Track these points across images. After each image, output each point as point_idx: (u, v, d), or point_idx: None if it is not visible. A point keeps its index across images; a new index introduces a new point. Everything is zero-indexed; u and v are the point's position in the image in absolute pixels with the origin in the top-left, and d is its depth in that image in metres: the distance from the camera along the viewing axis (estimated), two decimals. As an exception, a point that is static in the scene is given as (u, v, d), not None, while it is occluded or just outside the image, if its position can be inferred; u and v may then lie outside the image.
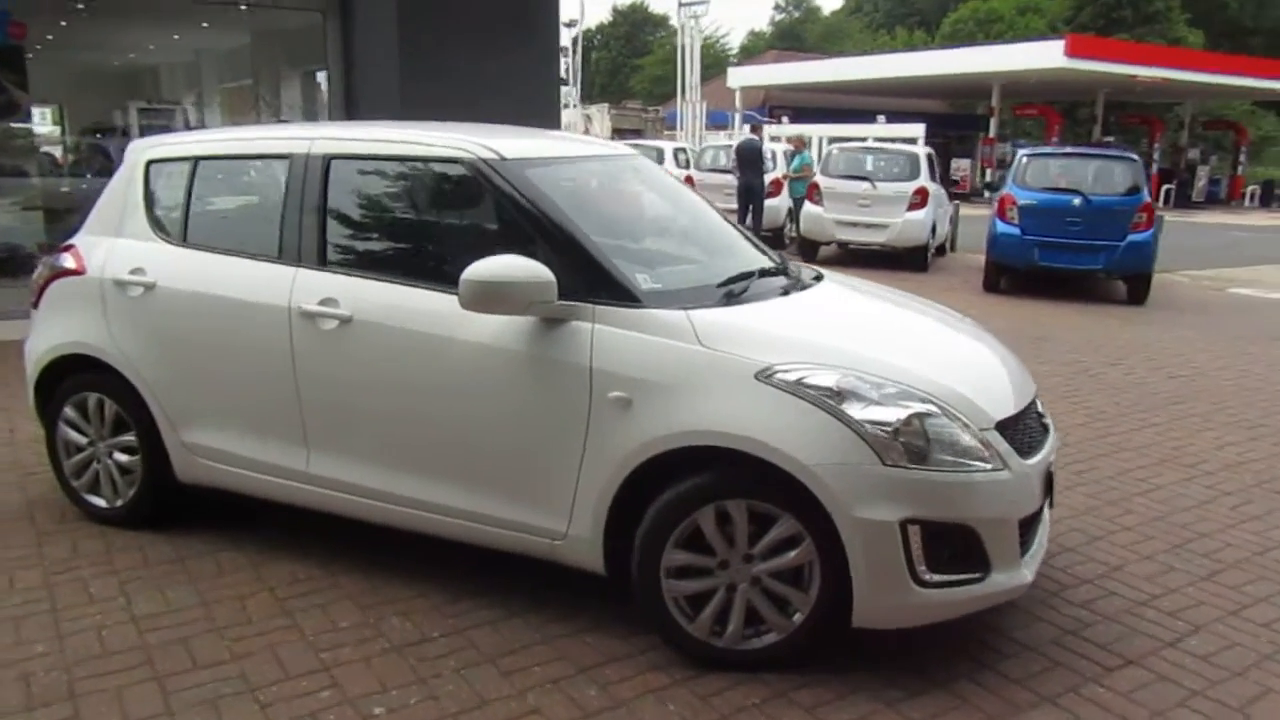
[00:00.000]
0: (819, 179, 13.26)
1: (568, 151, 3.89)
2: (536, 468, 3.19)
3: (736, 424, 2.89)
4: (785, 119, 31.90)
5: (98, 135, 12.17)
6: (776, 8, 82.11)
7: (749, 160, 13.73)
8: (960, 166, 34.41)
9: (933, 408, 2.91)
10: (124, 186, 4.01)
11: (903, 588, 2.86)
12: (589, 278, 3.13)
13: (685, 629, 3.05)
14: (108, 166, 9.66)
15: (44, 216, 9.18)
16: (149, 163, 3.98)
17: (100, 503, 4.07)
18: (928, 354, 3.31)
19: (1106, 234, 10.51)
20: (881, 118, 32.70)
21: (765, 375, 2.91)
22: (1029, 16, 69.66)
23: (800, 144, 14.51)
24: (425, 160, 3.50)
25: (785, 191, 14.55)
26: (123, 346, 3.83)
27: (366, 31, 8.50)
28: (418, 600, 3.47)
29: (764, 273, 3.68)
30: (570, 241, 3.20)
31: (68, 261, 4.02)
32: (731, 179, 14.13)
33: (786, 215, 14.27)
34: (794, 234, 14.47)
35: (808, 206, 13.29)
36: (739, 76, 39.14)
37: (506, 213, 3.33)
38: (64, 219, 8.26)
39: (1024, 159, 11.50)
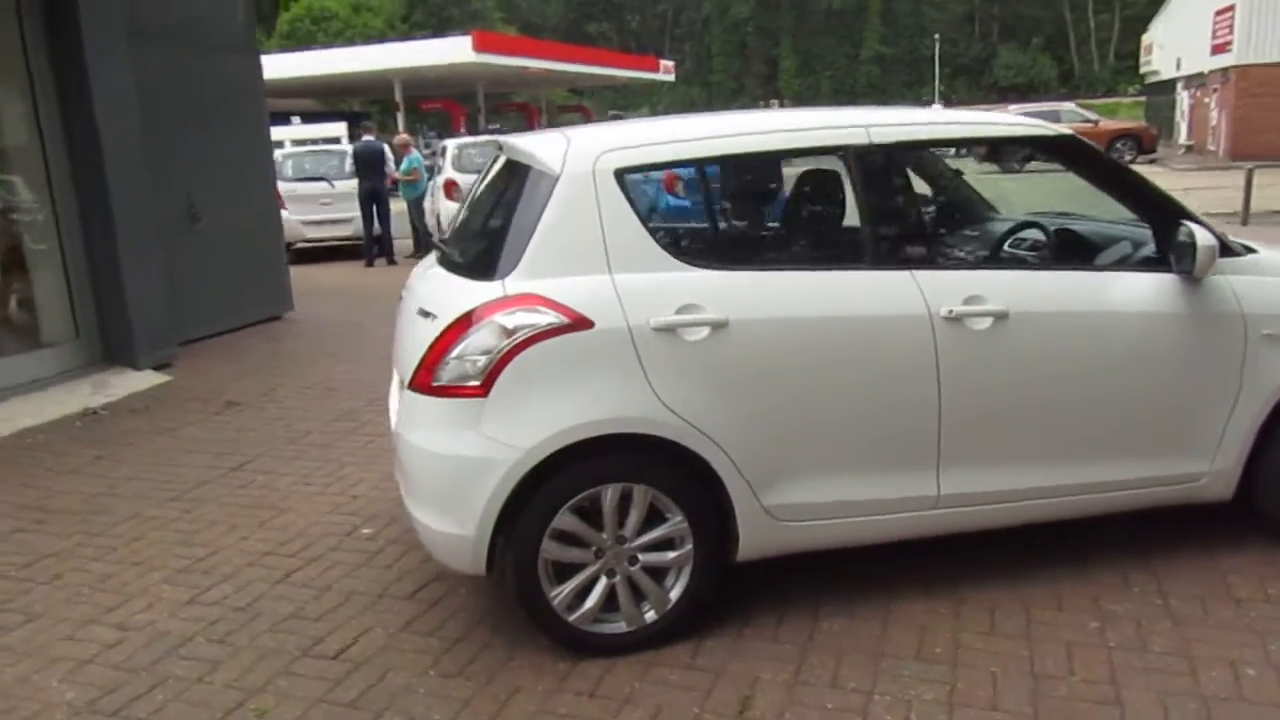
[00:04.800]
0: (455, 176, 12.94)
1: None
2: (1191, 418, 3.38)
3: None
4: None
5: None
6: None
7: (369, 164, 12.86)
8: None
9: None
10: (586, 208, 2.98)
11: None
12: None
13: None
14: None
15: None
16: (619, 173, 3.03)
17: (619, 627, 3.07)
18: None
19: None
20: (296, 119, 31.72)
21: None
22: (364, 15, 71.88)
23: (407, 146, 13.83)
24: (1004, 141, 3.36)
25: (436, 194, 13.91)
26: (682, 409, 2.94)
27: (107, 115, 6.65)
28: (1119, 587, 3.35)
29: None
30: (1178, 206, 3.41)
31: (550, 316, 2.89)
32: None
33: (437, 219, 13.57)
34: (422, 235, 13.92)
35: (449, 204, 12.88)
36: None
37: (1109, 187, 3.39)
38: None
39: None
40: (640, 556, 3.05)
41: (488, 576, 3.07)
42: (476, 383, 2.88)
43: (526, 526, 2.93)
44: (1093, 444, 3.32)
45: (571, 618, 3.02)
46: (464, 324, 2.92)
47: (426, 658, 3.13)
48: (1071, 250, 3.64)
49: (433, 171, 14.34)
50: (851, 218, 3.31)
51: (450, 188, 12.90)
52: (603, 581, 3.04)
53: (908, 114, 3.45)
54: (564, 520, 2.95)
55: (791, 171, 3.69)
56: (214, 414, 6.13)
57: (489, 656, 3.11)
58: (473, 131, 38.16)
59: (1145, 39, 37.73)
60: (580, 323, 2.89)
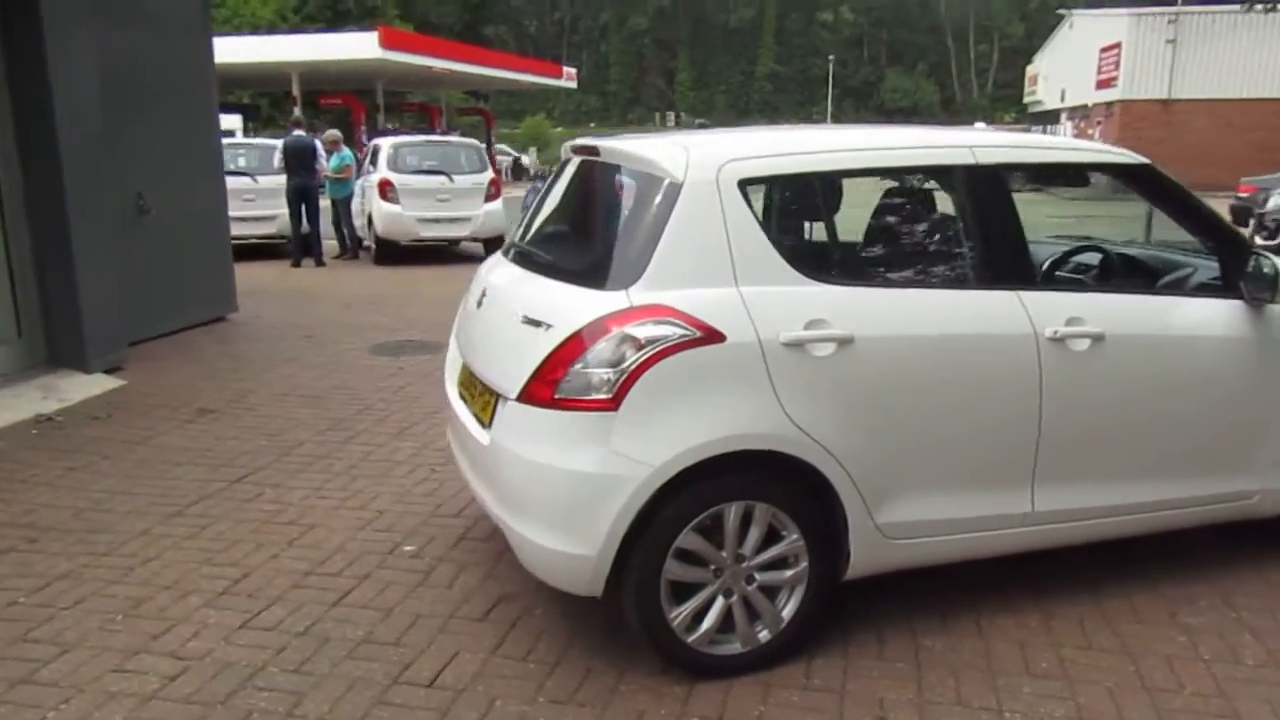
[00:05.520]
0: (391, 176, 12.56)
1: None
2: (1248, 438, 3.52)
3: None
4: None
5: None
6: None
7: (300, 159, 12.35)
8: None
9: None
10: (711, 218, 2.90)
11: None
12: None
13: None
14: None
15: None
16: (743, 183, 2.96)
17: (734, 648, 3.00)
18: None
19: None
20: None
21: None
22: (254, 3, 69.74)
23: (338, 143, 13.30)
24: (1089, 166, 3.44)
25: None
26: (808, 425, 2.89)
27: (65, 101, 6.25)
28: (1187, 601, 3.47)
29: None
30: (1243, 236, 3.56)
31: (682, 329, 2.79)
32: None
33: (369, 220, 13.08)
34: (349, 237, 13.44)
35: (385, 205, 12.51)
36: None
37: (1179, 215, 3.52)
38: None
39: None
40: (757, 575, 2.98)
41: (601, 599, 2.94)
42: (605, 396, 2.77)
43: (650, 545, 2.83)
44: (1165, 463, 3.42)
45: (690, 639, 2.94)
46: (591, 335, 2.80)
47: (529, 683, 2.98)
48: (1143, 274, 3.75)
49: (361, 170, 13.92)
50: (939, 236, 3.33)
51: (385, 188, 12.52)
52: (719, 601, 2.96)
53: (1004, 136, 3.49)
54: (687, 539, 2.87)
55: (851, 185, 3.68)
56: (186, 422, 5.75)
57: (596, 681, 2.99)
58: (373, 130, 37.37)
59: (1030, 70, 39.77)
60: (712, 336, 2.82)
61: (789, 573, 3.01)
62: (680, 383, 2.80)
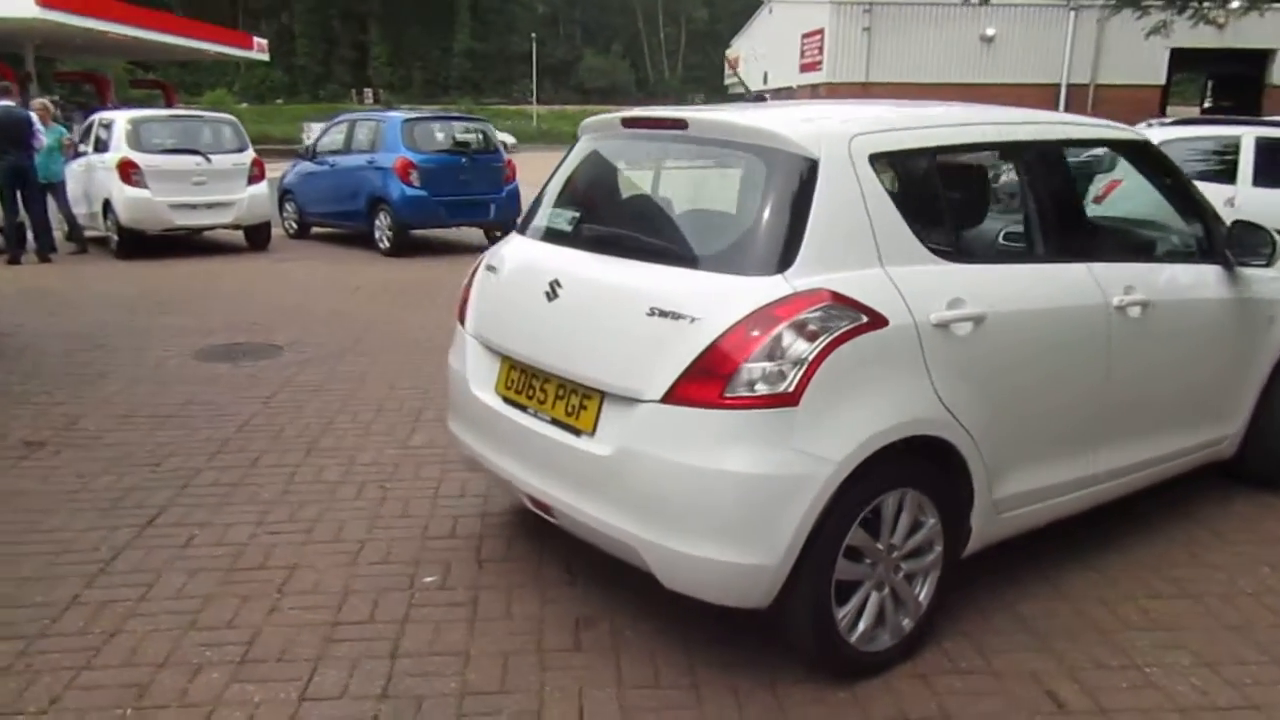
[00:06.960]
0: (134, 156, 10.96)
1: None
2: (1231, 387, 3.92)
3: None
4: None
5: None
6: None
7: (10, 135, 10.43)
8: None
9: None
10: (852, 195, 2.74)
11: None
12: None
13: None
14: None
15: None
16: (874, 158, 2.82)
17: (885, 642, 2.89)
18: None
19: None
20: None
21: None
22: None
23: (47, 113, 11.26)
24: (1097, 141, 3.64)
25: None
26: (953, 406, 2.83)
27: None
28: (1193, 543, 3.75)
29: None
30: (1213, 208, 3.93)
31: (851, 314, 2.61)
32: None
33: (106, 206, 11.21)
34: (72, 226, 11.58)
35: (129, 191, 10.89)
36: None
37: (1171, 187, 3.81)
38: None
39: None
40: (902, 564, 2.89)
41: (766, 611, 2.72)
42: (785, 390, 2.55)
43: (825, 546, 2.66)
44: (1184, 417, 3.73)
45: (853, 639, 2.80)
46: (758, 325, 2.57)
47: (687, 714, 2.71)
48: (1145, 244, 4.01)
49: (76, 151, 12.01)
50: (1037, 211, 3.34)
51: (129, 170, 10.92)
52: (874, 596, 2.84)
53: (1051, 115, 3.59)
54: (855, 535, 2.72)
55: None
56: (19, 459, 4.71)
57: (753, 700, 2.77)
58: (26, 101, 32.37)
59: (730, 53, 42.00)
60: (877, 321, 2.68)
61: (929, 557, 2.94)
62: (852, 371, 2.64)
